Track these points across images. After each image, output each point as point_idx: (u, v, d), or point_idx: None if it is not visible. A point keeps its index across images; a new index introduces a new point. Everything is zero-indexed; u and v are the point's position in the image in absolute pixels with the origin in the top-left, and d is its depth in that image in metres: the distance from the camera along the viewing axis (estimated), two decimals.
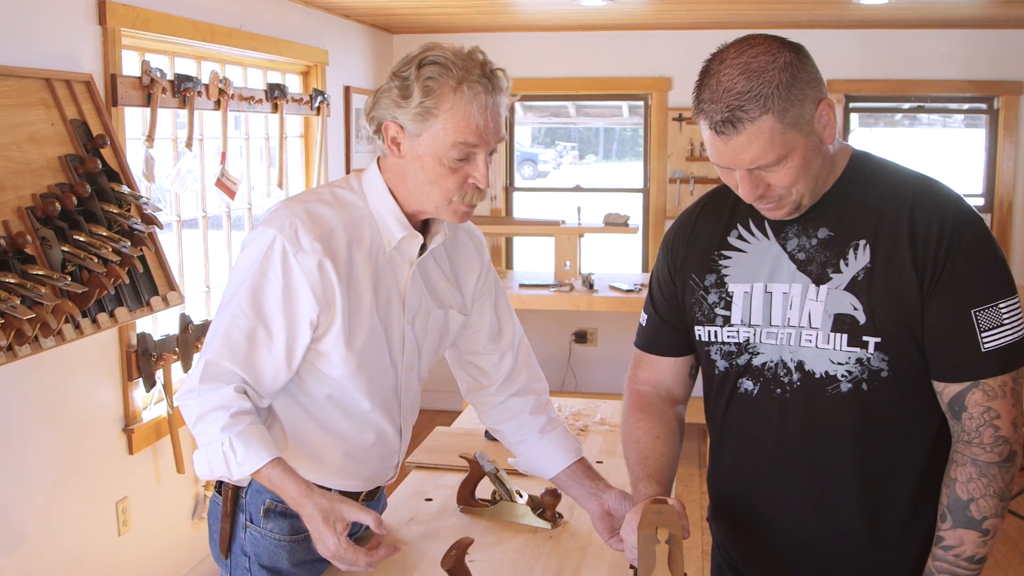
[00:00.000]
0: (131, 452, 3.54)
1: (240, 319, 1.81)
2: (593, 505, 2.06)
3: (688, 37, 6.10)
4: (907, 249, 1.64)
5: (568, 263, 5.85)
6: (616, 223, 5.94)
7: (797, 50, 1.62)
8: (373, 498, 2.14)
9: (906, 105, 6.34)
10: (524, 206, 6.92)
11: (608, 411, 3.12)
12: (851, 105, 6.17)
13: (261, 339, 1.82)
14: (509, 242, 6.80)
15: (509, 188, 6.68)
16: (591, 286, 5.61)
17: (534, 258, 7.46)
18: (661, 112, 6.21)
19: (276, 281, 1.80)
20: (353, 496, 2.03)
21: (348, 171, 5.69)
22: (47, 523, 3.14)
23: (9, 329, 2.48)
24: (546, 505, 2.24)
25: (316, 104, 5.06)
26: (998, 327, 1.62)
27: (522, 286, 5.78)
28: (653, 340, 1.98)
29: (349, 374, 1.90)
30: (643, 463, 1.87)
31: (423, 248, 1.97)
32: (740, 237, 1.81)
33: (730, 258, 1.81)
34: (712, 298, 1.81)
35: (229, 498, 2.00)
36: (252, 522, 1.99)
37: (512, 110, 6.65)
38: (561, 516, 2.26)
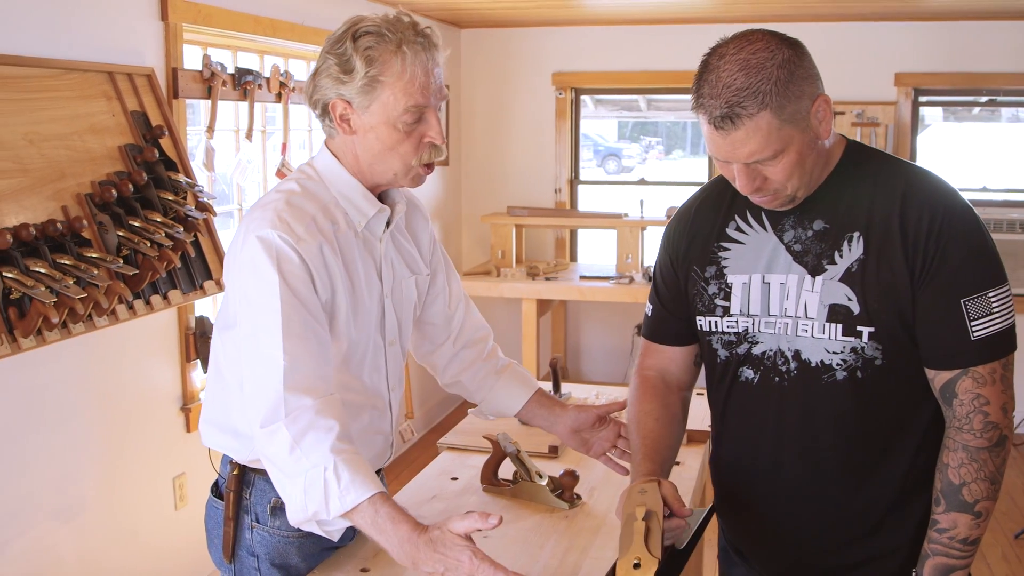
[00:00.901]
0: (188, 430, 3.69)
1: (292, 313, 1.74)
2: (559, 428, 2.22)
3: None
4: (898, 241, 1.68)
5: (630, 256, 5.88)
6: None
7: (795, 46, 1.65)
8: None
9: (982, 99, 6.23)
10: (592, 199, 6.97)
11: None
12: (920, 99, 6.08)
13: (313, 327, 1.77)
14: (573, 235, 6.85)
15: (574, 181, 6.73)
16: (650, 278, 5.62)
17: (598, 251, 7.50)
18: None
19: (298, 269, 1.77)
20: None
21: None
22: (105, 495, 3.30)
23: (63, 308, 2.62)
24: (564, 486, 2.29)
25: None
26: (987, 315, 1.65)
27: (582, 278, 5.84)
28: (658, 330, 2.04)
29: (345, 356, 1.90)
30: (643, 443, 1.93)
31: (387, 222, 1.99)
32: (739, 229, 1.85)
33: (729, 250, 1.86)
34: (712, 289, 1.86)
35: (232, 501, 1.97)
36: (259, 521, 1.97)
37: (578, 103, 6.70)
38: (579, 497, 2.31)
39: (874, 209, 1.71)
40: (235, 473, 1.98)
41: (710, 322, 1.87)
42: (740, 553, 2.03)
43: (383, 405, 2.05)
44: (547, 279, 5.83)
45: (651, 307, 2.05)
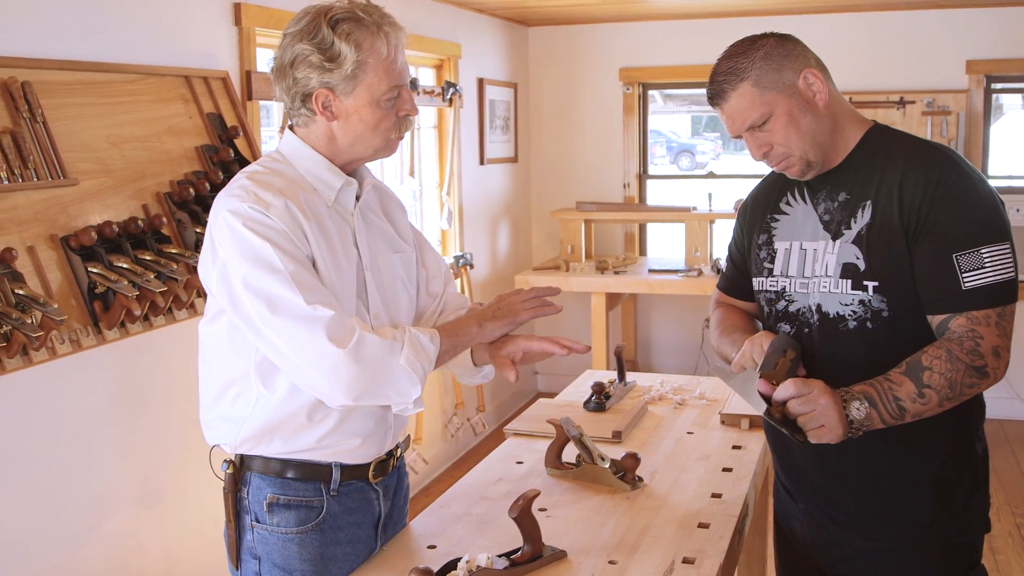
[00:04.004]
0: None
1: (291, 265, 1.79)
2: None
3: (819, 21, 6.05)
4: (897, 207, 1.90)
5: (698, 250, 5.89)
6: None
7: (781, 38, 1.96)
8: (386, 472, 2.10)
9: None
10: (661, 194, 6.99)
11: (708, 387, 3.20)
12: (993, 86, 5.98)
13: (314, 273, 1.84)
14: (642, 229, 6.87)
15: (642, 176, 6.75)
16: (719, 271, 5.64)
17: (667, 245, 7.51)
18: None
19: (276, 231, 1.81)
20: (362, 469, 2.03)
21: (482, 160, 5.89)
22: (185, 483, 3.42)
23: (144, 301, 2.75)
24: (627, 468, 2.35)
25: (448, 96, 5.27)
26: (979, 269, 1.84)
27: (651, 271, 5.86)
28: (730, 286, 2.34)
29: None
30: (743, 335, 2.12)
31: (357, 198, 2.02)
32: (787, 203, 2.12)
33: (779, 220, 2.13)
34: (763, 253, 2.14)
35: (231, 502, 1.98)
36: (258, 521, 1.96)
37: (645, 98, 6.72)
38: (641, 479, 2.36)
39: (883, 180, 1.94)
40: (230, 472, 1.99)
41: (759, 282, 2.15)
42: (785, 489, 2.23)
43: None
44: (616, 273, 5.86)
45: (727, 264, 2.35)
